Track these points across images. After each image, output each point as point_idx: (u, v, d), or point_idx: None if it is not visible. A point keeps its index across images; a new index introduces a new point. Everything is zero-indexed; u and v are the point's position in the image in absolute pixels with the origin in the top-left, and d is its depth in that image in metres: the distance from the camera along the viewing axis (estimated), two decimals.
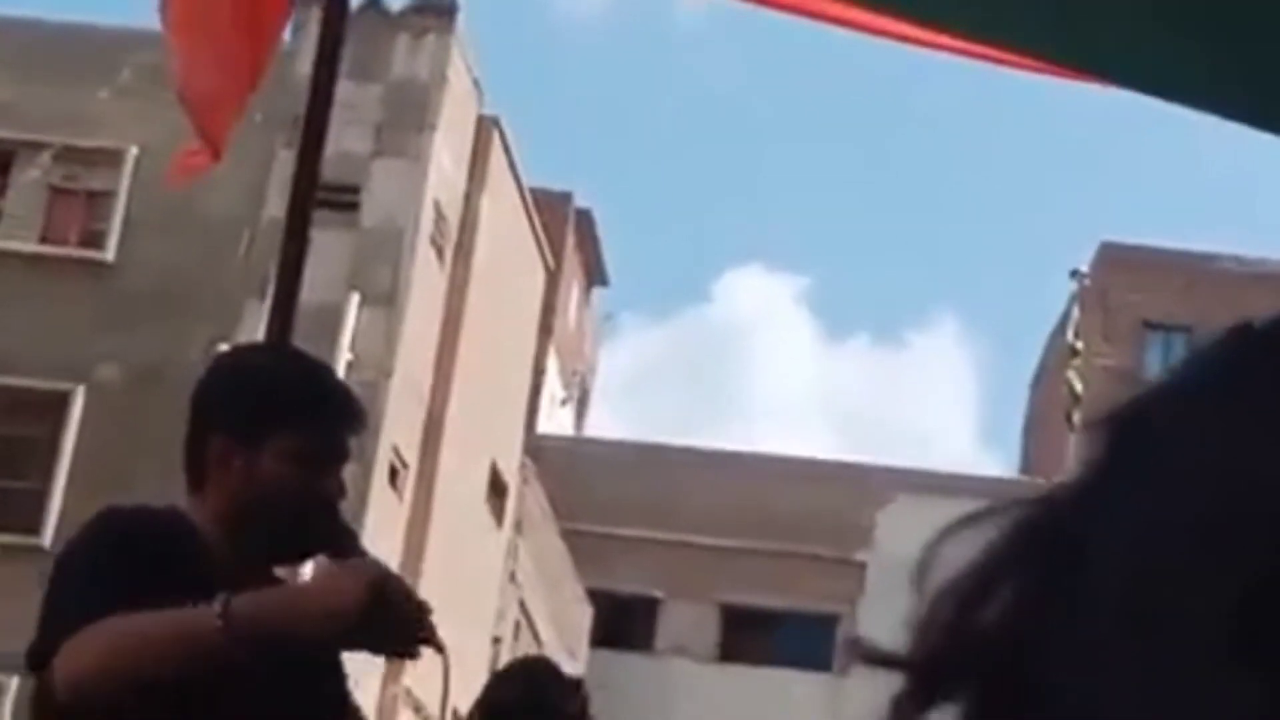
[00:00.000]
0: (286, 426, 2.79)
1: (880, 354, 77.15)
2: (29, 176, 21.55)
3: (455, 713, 2.95)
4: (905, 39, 4.03)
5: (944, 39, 3.95)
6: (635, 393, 70.11)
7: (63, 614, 2.65)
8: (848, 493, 35.98)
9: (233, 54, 4.37)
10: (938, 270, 75.67)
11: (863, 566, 34.89)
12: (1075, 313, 26.40)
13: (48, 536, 21.35)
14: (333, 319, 21.48)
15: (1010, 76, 4.12)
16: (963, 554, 0.67)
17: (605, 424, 65.12)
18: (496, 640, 27.39)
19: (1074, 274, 27.14)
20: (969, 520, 0.67)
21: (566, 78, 74.30)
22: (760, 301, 76.74)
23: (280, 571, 2.98)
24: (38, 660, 2.67)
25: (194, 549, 2.76)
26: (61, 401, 22.58)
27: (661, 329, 75.09)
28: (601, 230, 41.19)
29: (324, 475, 2.81)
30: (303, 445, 2.80)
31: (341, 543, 2.82)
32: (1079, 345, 25.45)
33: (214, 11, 4.39)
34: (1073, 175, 73.38)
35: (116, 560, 2.67)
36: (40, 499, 22.13)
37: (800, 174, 72.06)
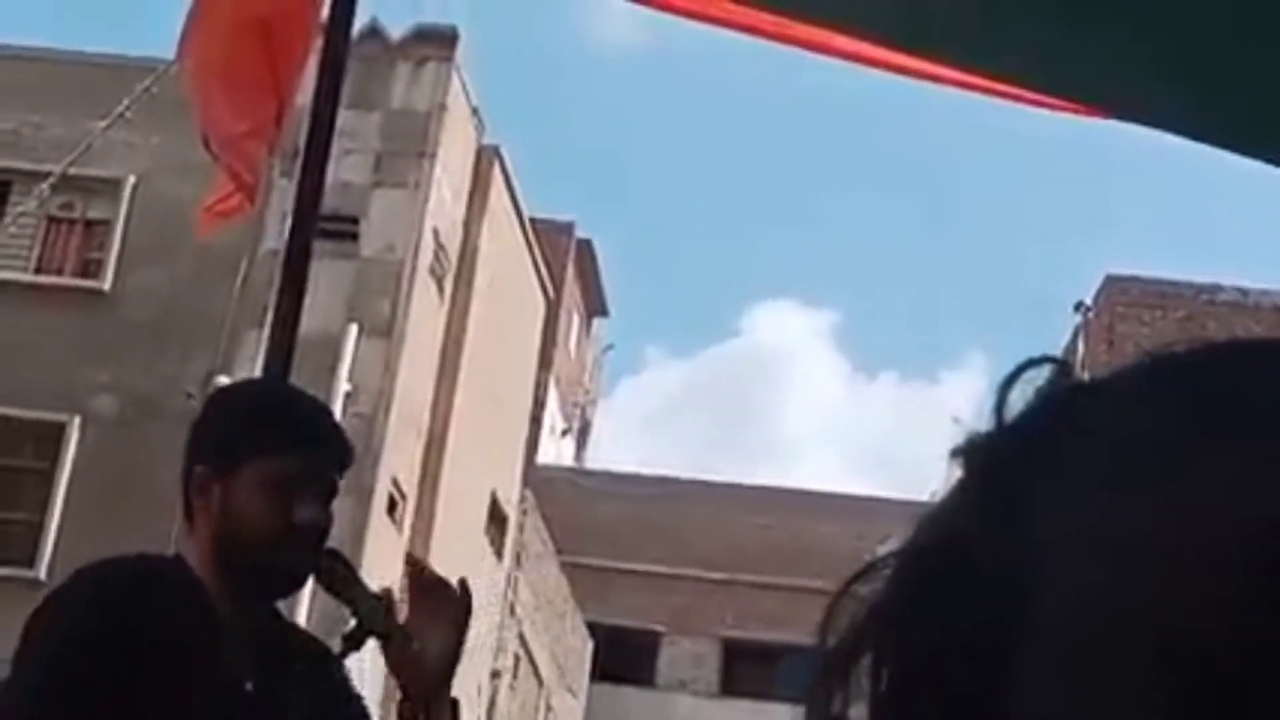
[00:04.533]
0: (259, 453, 2.75)
1: (909, 391, 77.13)
2: (26, 206, 21.43)
3: None
4: (908, 72, 4.06)
5: (948, 72, 3.99)
6: (658, 427, 70.11)
7: (4, 711, 2.64)
8: (852, 525, 35.87)
9: (256, 95, 4.33)
10: (968, 306, 75.74)
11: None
12: (1080, 345, 26.32)
13: (43, 569, 21.20)
14: (331, 349, 21.35)
15: (1020, 112, 4.16)
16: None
17: (625, 458, 65.23)
18: (495, 674, 27.21)
19: (1078, 306, 27.07)
20: (872, 568, 0.65)
21: (569, 107, 74.43)
22: (789, 336, 76.88)
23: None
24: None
25: (185, 597, 2.73)
26: (57, 432, 22.44)
27: (687, 363, 75.20)
28: (618, 263, 41.26)
29: (298, 502, 2.73)
30: (274, 472, 2.74)
31: (328, 569, 2.76)
32: (1084, 377, 25.36)
33: (234, 53, 4.35)
34: (1079, 209, 73.57)
35: (82, 641, 2.64)
36: (36, 530, 21.98)
37: (830, 210, 72.20)
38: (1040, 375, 0.68)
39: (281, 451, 2.76)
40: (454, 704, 2.76)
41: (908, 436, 73.09)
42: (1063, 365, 0.68)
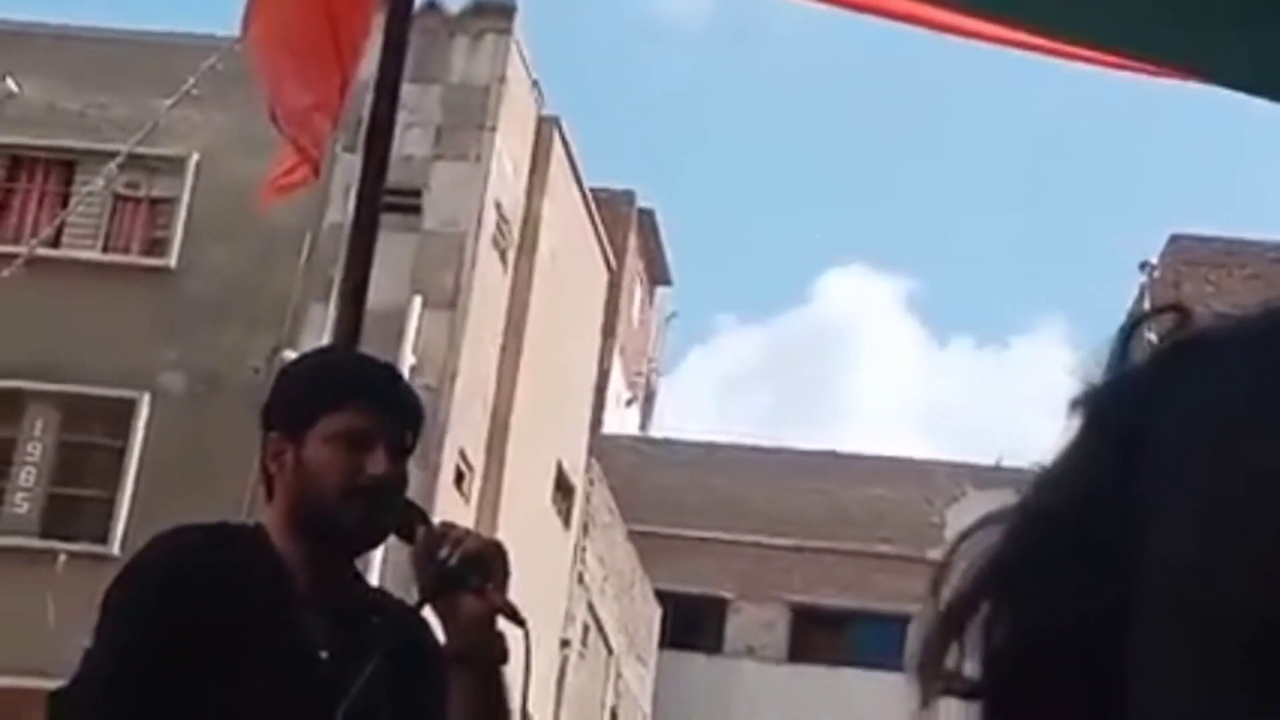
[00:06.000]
0: (329, 411, 2.77)
1: (981, 357, 76.67)
2: (93, 185, 21.58)
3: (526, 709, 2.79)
4: (979, 36, 4.05)
5: (1019, 36, 3.97)
6: (729, 395, 69.99)
7: (84, 684, 2.68)
8: (919, 490, 35.78)
9: (320, 68, 4.36)
10: (1045, 271, 75.20)
11: (935, 564, 34.63)
12: (1145, 306, 26.13)
13: (116, 544, 21.41)
14: (396, 323, 21.43)
15: (1093, 74, 4.13)
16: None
17: (695, 427, 64.94)
18: (565, 643, 27.32)
19: (1143, 266, 26.87)
20: (998, 516, 0.64)
21: (628, 76, 74.30)
22: (860, 303, 76.54)
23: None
24: (53, 708, 2.69)
25: (258, 565, 2.74)
26: (127, 409, 22.63)
27: (757, 330, 74.92)
28: (683, 232, 41.22)
29: (369, 457, 2.75)
30: (344, 427, 2.76)
31: (406, 521, 2.73)
32: (1152, 338, 25.14)
33: (298, 28, 4.38)
34: (1147, 170, 72.92)
35: (152, 613, 2.67)
36: (108, 506, 22.20)
37: (900, 176, 71.84)
38: (1159, 326, 0.66)
39: (350, 407, 2.77)
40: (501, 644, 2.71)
41: (980, 403, 72.68)
42: (1183, 315, 0.66)
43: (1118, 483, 0.62)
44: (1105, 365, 0.67)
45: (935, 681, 0.65)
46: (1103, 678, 0.60)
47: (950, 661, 0.65)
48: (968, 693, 0.65)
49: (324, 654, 2.73)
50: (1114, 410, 0.65)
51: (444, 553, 2.65)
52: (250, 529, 2.85)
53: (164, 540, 2.77)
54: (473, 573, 2.65)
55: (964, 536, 0.66)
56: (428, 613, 2.74)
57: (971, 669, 0.65)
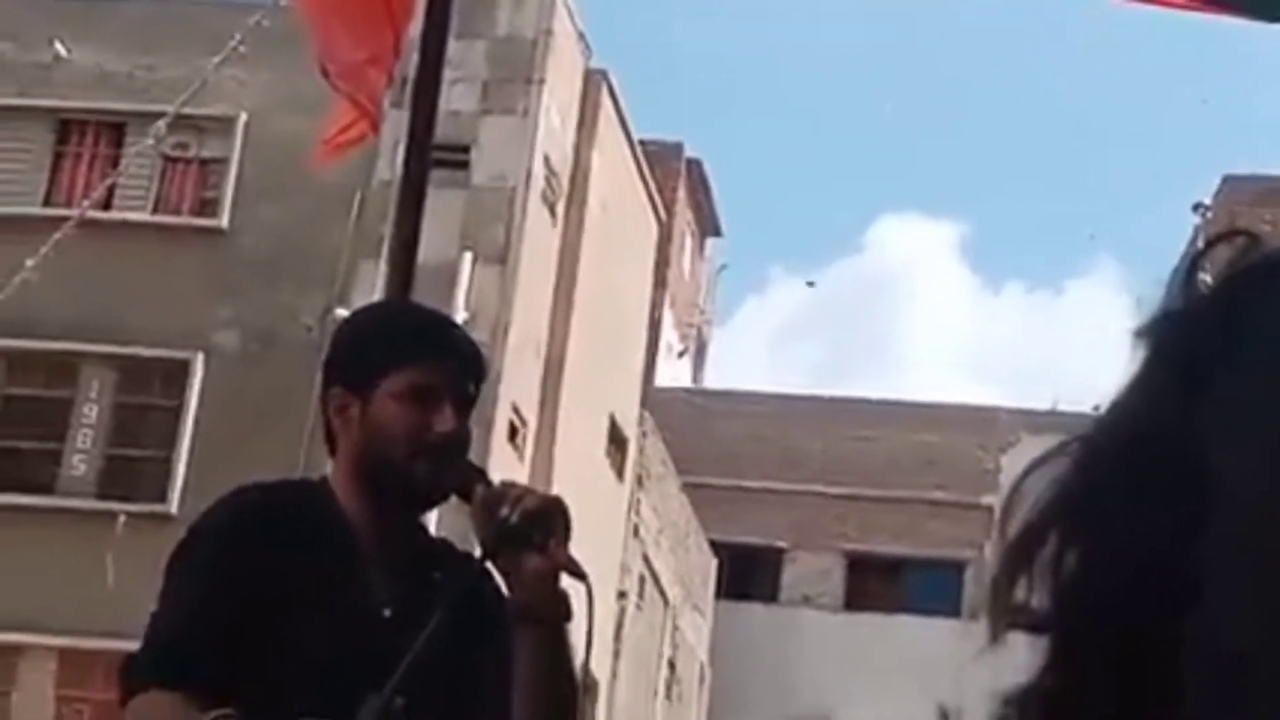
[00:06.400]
0: (396, 366, 2.76)
1: (1035, 301, 76.21)
2: (142, 147, 21.64)
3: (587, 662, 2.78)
4: None
5: None
6: (783, 345, 69.86)
7: (152, 647, 2.70)
8: (973, 437, 35.68)
9: (372, 23, 4.35)
10: (1098, 215, 74.69)
11: (990, 510, 34.60)
12: (1199, 247, 25.93)
13: (174, 503, 21.57)
14: (447, 278, 21.47)
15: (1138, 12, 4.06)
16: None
17: (750, 378, 64.72)
18: (621, 595, 27.40)
19: (1196, 207, 26.70)
20: (1063, 449, 0.63)
21: (674, 28, 74.00)
22: (914, 250, 76.10)
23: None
24: (125, 672, 2.71)
25: (321, 523, 2.74)
26: (182, 369, 22.77)
27: (813, 279, 74.55)
28: (732, 183, 41.08)
29: (436, 412, 2.74)
30: (411, 383, 2.75)
31: (466, 481, 2.72)
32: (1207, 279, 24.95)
33: None
34: (1201, 111, 72.29)
35: (214, 576, 2.69)
36: (165, 466, 22.35)
37: (951, 121, 71.41)
38: (1227, 254, 0.65)
39: (417, 362, 2.77)
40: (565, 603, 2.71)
41: (1034, 348, 72.30)
42: (1252, 240, 0.65)
43: (1182, 414, 0.61)
44: (1169, 296, 0.66)
45: (1005, 615, 0.65)
46: (1170, 608, 0.60)
47: (1019, 595, 0.65)
48: (1037, 625, 0.64)
49: (387, 612, 2.72)
50: (1178, 340, 0.64)
51: (504, 511, 2.64)
52: (314, 484, 2.85)
53: (225, 502, 2.78)
54: (535, 530, 2.64)
55: (1029, 470, 0.65)
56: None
57: (1040, 602, 0.65)
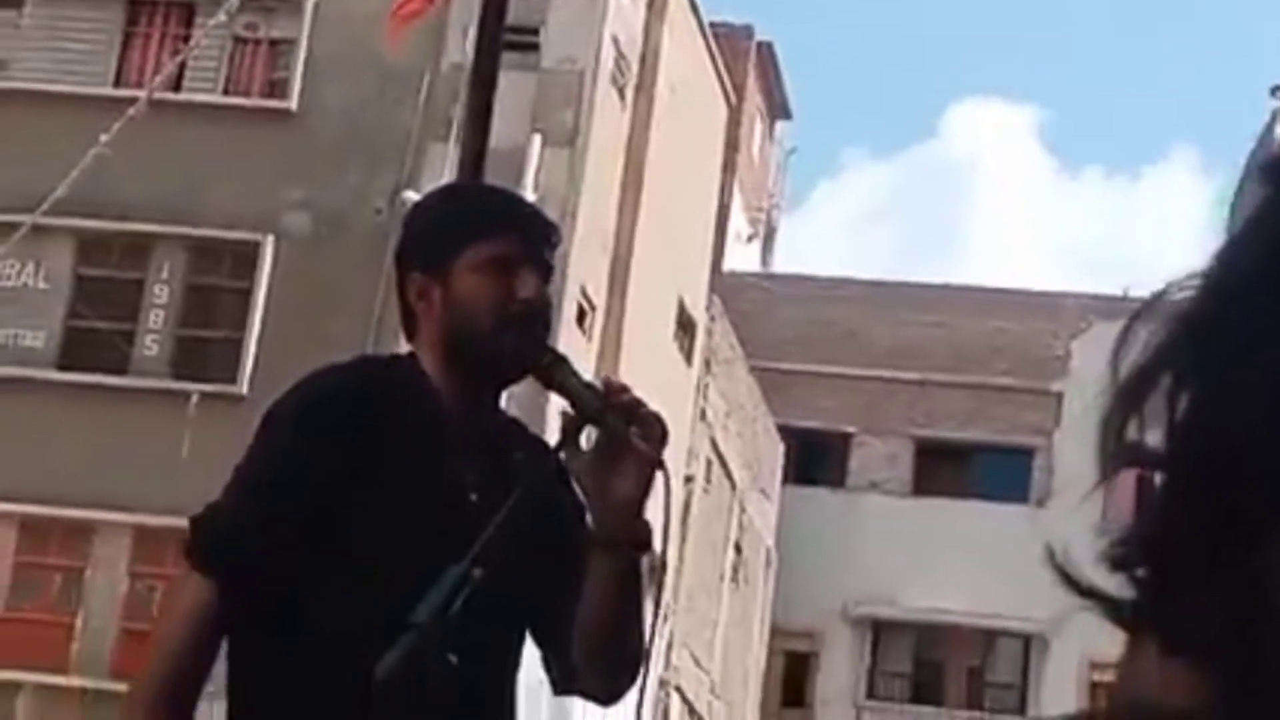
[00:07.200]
0: (474, 240, 2.77)
1: (1113, 187, 75.46)
2: (211, 26, 21.64)
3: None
4: None
5: None
6: (857, 230, 69.51)
7: (208, 528, 2.73)
8: (1044, 323, 35.48)
9: None
10: (1179, 102, 73.65)
11: (1059, 397, 34.45)
12: (1278, 130, 25.54)
13: (245, 384, 21.75)
14: (516, 161, 21.42)
15: None
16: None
17: (824, 263, 64.39)
18: (689, 479, 27.51)
19: (1274, 91, 26.21)
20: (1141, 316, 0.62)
21: None
22: (991, 134, 75.39)
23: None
24: (195, 526, 2.73)
25: (406, 405, 2.75)
26: (253, 251, 22.86)
27: (885, 164, 74.09)
28: (805, 66, 40.64)
29: (518, 280, 2.75)
30: (489, 255, 2.76)
31: (544, 361, 2.71)
32: None
33: None
34: None
35: (287, 463, 2.69)
36: (236, 347, 22.51)
37: (1028, 4, 70.32)
38: None
39: (493, 234, 2.78)
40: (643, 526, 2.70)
41: (1110, 234, 71.64)
42: None
43: None
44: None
45: (1117, 454, 0.64)
46: None
47: (1130, 433, 0.64)
48: (1151, 464, 0.63)
49: (474, 496, 2.71)
50: None
51: (625, 396, 2.66)
52: (405, 361, 2.84)
53: (301, 388, 2.77)
54: (638, 423, 2.65)
55: (1139, 313, 0.64)
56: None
57: (1154, 440, 0.64)
